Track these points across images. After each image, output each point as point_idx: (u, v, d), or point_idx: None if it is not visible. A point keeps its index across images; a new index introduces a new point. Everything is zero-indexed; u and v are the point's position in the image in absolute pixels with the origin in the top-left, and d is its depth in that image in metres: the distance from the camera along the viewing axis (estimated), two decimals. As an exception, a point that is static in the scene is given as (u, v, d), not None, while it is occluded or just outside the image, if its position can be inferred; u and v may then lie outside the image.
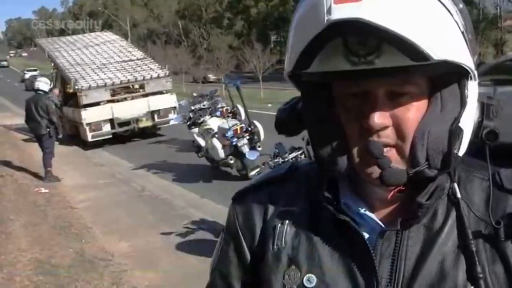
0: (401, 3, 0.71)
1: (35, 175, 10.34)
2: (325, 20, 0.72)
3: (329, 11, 0.72)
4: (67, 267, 5.38)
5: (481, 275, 0.79)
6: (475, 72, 0.82)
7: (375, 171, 0.80)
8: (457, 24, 0.77)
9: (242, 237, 0.99)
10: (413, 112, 0.80)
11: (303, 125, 0.92)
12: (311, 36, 0.75)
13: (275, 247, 0.93)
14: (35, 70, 57.76)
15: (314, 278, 0.88)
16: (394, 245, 0.85)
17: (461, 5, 0.79)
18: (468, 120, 0.82)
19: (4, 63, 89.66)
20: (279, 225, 0.94)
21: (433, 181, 0.83)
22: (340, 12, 0.71)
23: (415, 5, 0.72)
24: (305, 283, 0.88)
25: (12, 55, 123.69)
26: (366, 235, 0.86)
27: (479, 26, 34.64)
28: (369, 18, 0.70)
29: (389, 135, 0.80)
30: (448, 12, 0.75)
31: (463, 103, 0.81)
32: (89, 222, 7.23)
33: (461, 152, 0.82)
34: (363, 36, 0.73)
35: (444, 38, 0.74)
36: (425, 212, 0.84)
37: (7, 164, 11.15)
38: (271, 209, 0.97)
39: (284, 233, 0.93)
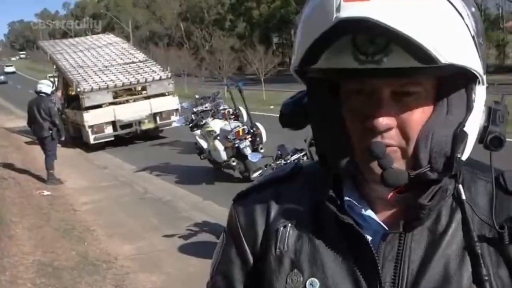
0: (411, 4, 0.71)
1: (38, 178, 10.34)
2: (334, 18, 0.72)
3: (338, 9, 0.72)
4: (70, 269, 5.38)
5: (486, 278, 0.79)
6: (484, 77, 0.81)
7: (377, 170, 0.80)
8: (468, 27, 0.76)
9: (244, 239, 0.98)
10: (418, 114, 0.79)
11: (308, 120, 0.91)
12: (318, 33, 0.75)
13: (278, 250, 0.92)
14: (11, 66, 69.32)
15: (316, 282, 0.87)
16: (398, 248, 0.84)
17: (473, 8, 0.78)
18: (474, 125, 0.82)
19: None
20: (282, 228, 0.93)
21: (436, 183, 0.83)
22: (349, 10, 0.71)
23: (425, 7, 0.71)
24: (308, 287, 0.88)
25: (23, 56, 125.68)
26: (369, 238, 0.86)
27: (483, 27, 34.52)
28: (378, 18, 0.69)
29: (393, 136, 0.79)
30: (459, 15, 0.74)
31: (469, 108, 0.80)
32: (92, 225, 7.23)
33: (464, 156, 0.81)
34: (370, 35, 0.73)
35: (453, 42, 0.73)
36: (428, 214, 0.83)
37: (10, 166, 11.15)
38: (273, 210, 0.96)
39: (286, 236, 0.92)
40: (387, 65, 0.73)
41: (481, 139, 0.84)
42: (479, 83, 0.81)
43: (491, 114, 0.84)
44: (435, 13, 0.72)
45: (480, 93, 0.82)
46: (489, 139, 0.83)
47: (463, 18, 0.75)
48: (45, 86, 10.70)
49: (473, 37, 0.77)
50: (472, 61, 0.77)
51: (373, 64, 0.73)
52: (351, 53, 0.75)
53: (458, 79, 0.79)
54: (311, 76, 0.84)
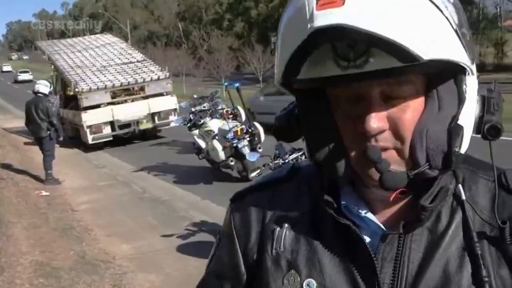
0: (385, 4, 0.69)
1: (36, 178, 10.33)
2: (308, 28, 0.71)
3: (311, 19, 0.70)
4: (68, 269, 5.37)
5: (486, 279, 0.78)
6: (472, 67, 0.79)
7: (374, 175, 0.78)
8: (448, 20, 0.74)
9: (236, 239, 0.97)
10: (410, 113, 0.78)
11: (302, 130, 0.90)
12: (296, 44, 0.73)
13: (274, 251, 0.91)
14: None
15: (314, 283, 0.86)
16: (397, 249, 0.83)
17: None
18: (468, 116, 0.80)
19: None
20: (278, 228, 0.93)
21: (436, 182, 0.81)
22: (322, 19, 0.69)
23: (401, 6, 0.69)
24: None
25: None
26: (368, 239, 0.85)
27: (479, 25, 34.59)
28: (353, 23, 0.68)
29: (386, 138, 0.78)
30: (437, 9, 0.72)
31: (461, 100, 0.78)
32: (90, 225, 7.22)
33: (463, 150, 0.80)
34: (348, 41, 0.71)
35: (433, 37, 0.71)
36: (429, 215, 0.82)
37: (8, 167, 11.14)
38: (270, 211, 0.95)
39: (283, 237, 0.91)
40: (370, 68, 0.71)
41: (477, 129, 0.82)
42: (468, 74, 0.79)
43: (485, 103, 0.83)
44: (411, 10, 0.70)
45: (471, 84, 0.81)
46: (486, 129, 0.82)
47: (441, 11, 0.73)
48: (43, 86, 10.66)
49: (455, 29, 0.75)
50: (456, 53, 0.75)
51: (356, 68, 0.72)
52: (332, 60, 0.73)
53: (446, 73, 0.77)
54: (297, 87, 0.83)
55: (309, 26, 0.71)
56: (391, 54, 0.69)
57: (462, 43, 0.76)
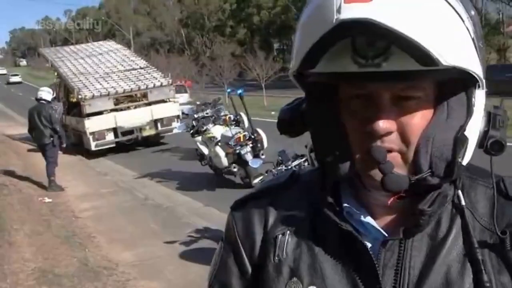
0: (412, 6, 0.70)
1: (39, 185, 10.34)
2: (334, 19, 0.71)
3: (338, 10, 0.71)
4: (71, 276, 5.37)
5: (488, 284, 0.78)
6: (484, 81, 0.80)
7: (377, 176, 0.79)
8: (468, 30, 0.75)
9: (241, 247, 0.97)
10: (418, 118, 0.78)
11: (307, 126, 0.90)
12: (319, 35, 0.73)
13: (276, 258, 0.91)
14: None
15: None
16: (398, 255, 0.83)
17: (472, 12, 0.78)
18: (474, 129, 0.81)
19: None
20: (280, 235, 0.92)
21: (436, 189, 0.82)
22: (350, 12, 0.70)
23: (426, 9, 0.70)
24: None
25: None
26: (369, 245, 0.85)
27: (482, 31, 34.59)
28: (379, 19, 0.68)
29: (393, 140, 0.78)
30: (459, 18, 0.74)
31: (469, 112, 0.79)
32: (93, 231, 7.22)
33: (465, 161, 0.80)
34: (372, 37, 0.72)
35: (454, 44, 0.72)
36: (428, 220, 0.82)
37: (11, 173, 11.15)
38: (271, 218, 0.95)
39: (285, 244, 0.91)
40: (387, 68, 0.72)
41: (481, 144, 0.83)
42: (479, 87, 0.80)
43: (491, 118, 0.83)
44: (435, 15, 0.71)
45: (480, 97, 0.81)
46: (490, 144, 0.82)
47: (463, 21, 0.74)
48: (46, 93, 10.70)
49: (473, 40, 0.76)
50: (473, 64, 0.76)
51: (373, 67, 0.72)
52: (350, 57, 0.74)
53: (458, 83, 0.78)
54: (310, 81, 0.83)
55: (335, 17, 0.71)
56: (411, 54, 0.70)
57: (478, 55, 0.77)
